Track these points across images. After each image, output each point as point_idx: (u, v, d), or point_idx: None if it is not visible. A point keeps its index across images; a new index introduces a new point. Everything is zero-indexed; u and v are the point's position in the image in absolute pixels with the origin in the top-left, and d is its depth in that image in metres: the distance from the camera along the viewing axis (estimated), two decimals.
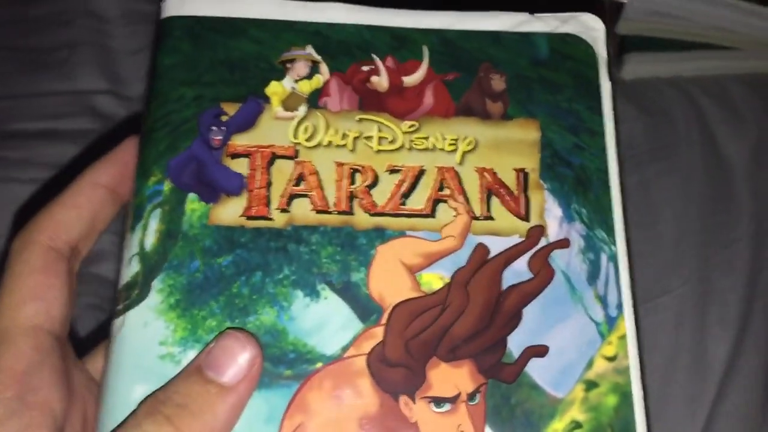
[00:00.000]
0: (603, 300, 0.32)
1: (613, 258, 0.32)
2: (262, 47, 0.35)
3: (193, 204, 0.33)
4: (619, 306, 0.32)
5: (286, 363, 0.30)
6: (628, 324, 0.32)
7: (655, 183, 0.60)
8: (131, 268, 0.32)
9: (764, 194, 0.61)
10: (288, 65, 0.35)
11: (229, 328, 0.30)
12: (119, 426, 0.28)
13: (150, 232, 0.32)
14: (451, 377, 0.30)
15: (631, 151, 0.60)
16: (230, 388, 0.28)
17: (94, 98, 0.52)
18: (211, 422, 0.28)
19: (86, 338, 0.46)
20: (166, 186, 0.33)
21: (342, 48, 0.36)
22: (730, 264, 0.57)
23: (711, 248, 0.58)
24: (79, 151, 0.50)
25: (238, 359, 0.29)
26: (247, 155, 0.33)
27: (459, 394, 0.30)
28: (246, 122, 0.34)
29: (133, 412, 0.28)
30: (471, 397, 0.30)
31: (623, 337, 0.31)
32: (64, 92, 0.51)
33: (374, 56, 0.35)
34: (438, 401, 0.30)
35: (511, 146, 0.34)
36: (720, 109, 0.65)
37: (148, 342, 0.30)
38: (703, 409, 0.52)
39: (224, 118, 0.34)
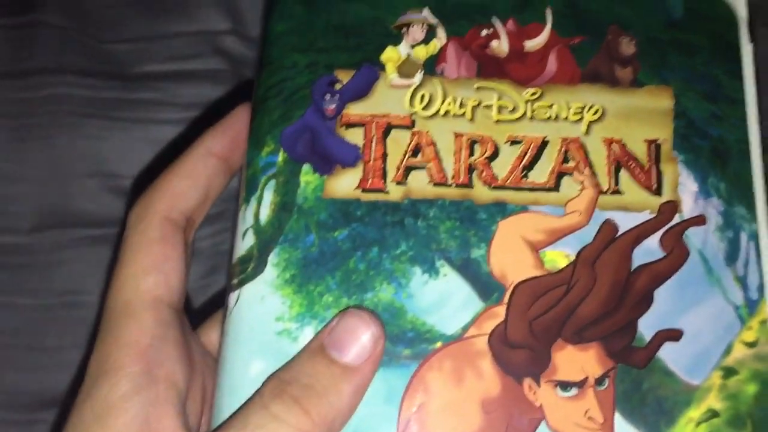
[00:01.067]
0: (743, 282, 0.30)
1: (754, 236, 0.30)
2: (377, 10, 0.34)
3: (307, 176, 0.32)
4: (761, 288, 0.30)
5: (404, 342, 0.30)
6: None
7: None
8: (246, 242, 0.31)
9: None
10: (404, 30, 0.34)
11: (349, 306, 0.30)
12: (244, 406, 0.27)
13: (265, 205, 0.32)
14: (578, 360, 0.29)
15: None
16: (354, 368, 0.28)
17: (220, 38, 0.51)
18: (337, 403, 0.27)
19: (199, 310, 0.46)
20: (281, 157, 0.32)
21: (460, 10, 0.34)
22: None
23: None
24: (212, 92, 0.49)
25: (362, 339, 0.28)
26: (362, 125, 0.32)
27: (586, 378, 0.29)
28: (361, 90, 0.33)
29: (258, 391, 0.28)
30: (599, 381, 0.29)
31: (765, 322, 0.29)
32: (189, 33, 0.51)
33: (494, 19, 0.34)
34: (564, 385, 0.29)
35: (641, 115, 0.32)
36: None
37: (264, 317, 0.30)
38: None
39: (338, 86, 0.33)
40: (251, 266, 0.31)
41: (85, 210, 0.47)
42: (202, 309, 0.46)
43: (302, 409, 0.26)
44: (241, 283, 0.31)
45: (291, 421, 0.26)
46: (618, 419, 0.28)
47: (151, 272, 0.31)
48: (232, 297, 0.31)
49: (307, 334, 0.30)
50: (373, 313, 0.29)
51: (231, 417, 0.27)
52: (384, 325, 0.29)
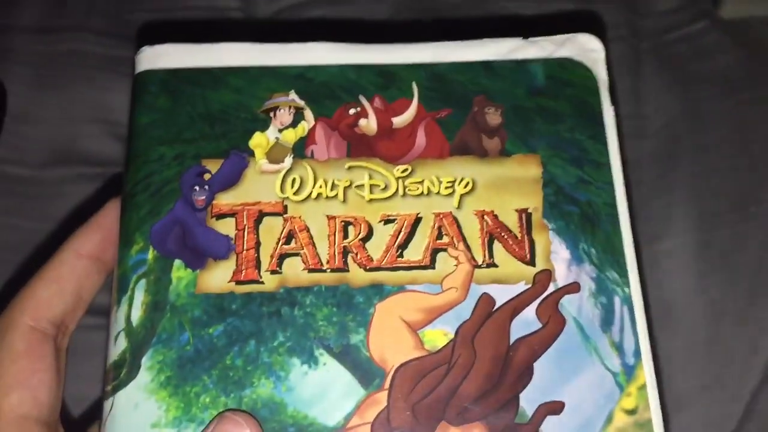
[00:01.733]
0: (619, 347, 0.30)
1: (627, 300, 0.30)
2: (242, 96, 0.34)
3: (179, 271, 0.31)
4: (637, 353, 0.30)
5: None
6: (647, 372, 0.29)
7: (749, 108, 0.55)
8: (118, 346, 0.30)
9: None
10: (271, 114, 0.33)
11: (226, 409, 0.29)
12: None
13: (136, 305, 0.31)
14: None
15: (724, 80, 0.55)
16: None
17: (227, 14, 0.58)
18: None
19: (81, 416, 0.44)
20: (151, 254, 0.31)
21: (326, 90, 0.34)
22: None
23: None
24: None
25: None
26: (233, 215, 0.32)
27: None
28: (230, 179, 0.32)
29: None
30: None
31: (643, 387, 0.29)
32: (200, 8, 0.58)
33: (361, 97, 0.34)
34: None
35: (511, 185, 0.32)
36: None
37: (139, 425, 0.29)
38: None
39: (207, 177, 0.32)
40: (124, 371, 0.30)
41: (90, 150, 0.53)
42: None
43: None
44: (115, 390, 0.29)
45: None
46: None
47: (15, 389, 0.29)
48: (107, 405, 0.29)
49: None
50: (248, 415, 0.28)
51: None
52: (260, 423, 0.28)
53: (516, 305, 0.30)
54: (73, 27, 0.57)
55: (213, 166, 0.32)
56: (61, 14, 0.57)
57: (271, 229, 0.32)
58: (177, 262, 0.31)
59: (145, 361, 0.30)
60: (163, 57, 0.34)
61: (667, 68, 0.56)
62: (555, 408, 0.29)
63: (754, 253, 0.50)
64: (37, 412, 0.29)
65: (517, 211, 0.32)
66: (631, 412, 0.29)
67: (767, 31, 0.58)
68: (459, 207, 0.32)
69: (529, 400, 0.29)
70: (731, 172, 0.53)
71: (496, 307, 0.30)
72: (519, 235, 0.31)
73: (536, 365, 0.30)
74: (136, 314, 0.30)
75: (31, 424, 0.29)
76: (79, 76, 0.55)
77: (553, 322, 0.30)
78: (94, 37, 0.56)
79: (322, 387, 0.29)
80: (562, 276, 0.31)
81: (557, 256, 0.31)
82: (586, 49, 0.34)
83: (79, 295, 0.32)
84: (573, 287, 0.31)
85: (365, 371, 0.30)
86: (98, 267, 0.33)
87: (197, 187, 0.32)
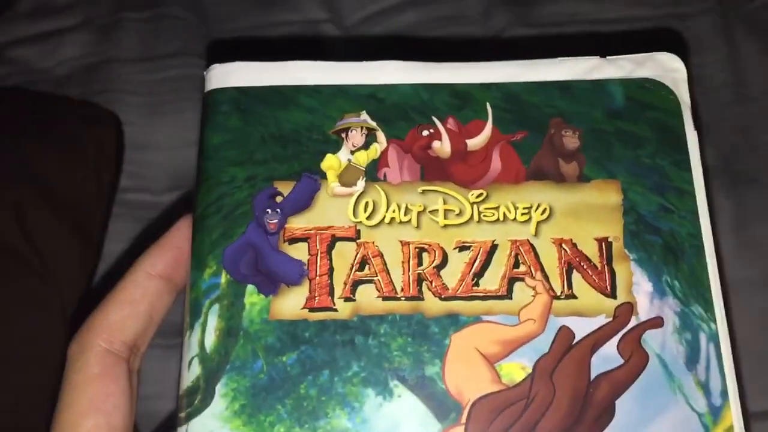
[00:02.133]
0: (705, 387, 0.29)
1: (713, 337, 0.29)
2: (314, 116, 0.33)
3: (252, 297, 0.31)
4: (724, 393, 0.29)
5: None
6: (734, 413, 0.29)
7: None
8: (192, 371, 0.30)
9: None
10: (343, 135, 0.33)
11: None
12: None
13: (209, 330, 0.30)
14: None
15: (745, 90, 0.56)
16: None
17: (318, 26, 0.60)
18: None
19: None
20: (224, 278, 0.31)
21: (399, 111, 0.33)
22: None
23: None
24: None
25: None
26: (305, 239, 0.31)
27: None
28: (303, 202, 0.32)
29: None
30: None
31: (730, 429, 0.28)
32: (292, 22, 0.61)
33: (434, 118, 0.33)
34: None
35: (590, 212, 0.31)
36: None
37: None
38: None
39: (279, 199, 0.32)
40: (198, 398, 0.30)
41: None
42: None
43: None
44: (189, 417, 0.29)
45: None
46: None
47: (90, 414, 0.29)
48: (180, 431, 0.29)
49: None
50: None
51: None
52: None
53: (596, 339, 0.30)
54: (174, 53, 0.59)
55: (285, 188, 0.32)
56: (159, 42, 0.60)
57: (344, 255, 0.31)
58: (250, 288, 0.31)
59: (219, 388, 0.30)
60: (233, 75, 0.34)
61: (757, 35, 0.57)
62: None
63: None
64: None
65: (596, 239, 0.31)
66: None
67: None
68: (536, 234, 0.31)
69: None
70: None
71: (575, 341, 0.29)
72: (599, 266, 0.30)
73: (618, 403, 0.29)
74: (210, 340, 0.30)
75: None
76: (186, 99, 0.57)
77: (635, 358, 0.29)
78: (196, 59, 0.59)
79: (396, 419, 0.29)
80: (644, 310, 0.30)
81: (639, 288, 0.30)
82: (668, 68, 0.33)
83: (150, 316, 0.32)
84: (656, 322, 0.30)
85: (441, 404, 0.29)
86: (169, 288, 0.33)
87: (269, 210, 0.32)
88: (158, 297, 0.32)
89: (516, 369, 0.29)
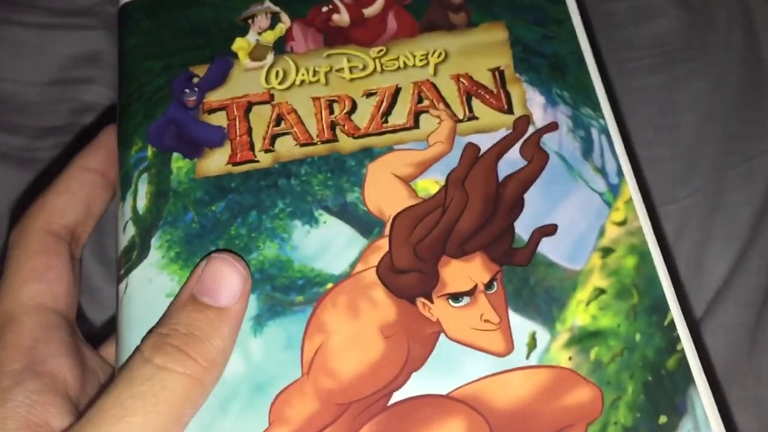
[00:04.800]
0: (602, 170, 0.31)
1: (604, 130, 0.32)
2: (220, 10, 0.36)
3: (178, 162, 0.32)
4: (619, 172, 0.31)
5: (296, 290, 0.30)
6: (631, 187, 0.31)
7: (682, 84, 0.54)
8: (127, 233, 0.31)
9: None
10: (249, 21, 0.35)
11: (213, 250, 0.30)
12: (126, 365, 0.27)
13: (141, 196, 0.32)
14: (465, 271, 0.30)
15: (661, 48, 0.55)
16: (229, 309, 0.28)
17: None
18: (221, 345, 0.27)
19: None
20: (150, 151, 0.33)
21: None
22: (750, 178, 0.52)
23: (731, 159, 0.52)
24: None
25: (232, 281, 0.28)
26: (223, 108, 0.33)
27: (475, 286, 0.29)
28: (217, 79, 0.34)
29: (137, 349, 0.27)
30: (488, 286, 0.29)
31: (629, 201, 0.31)
32: None
33: None
34: (455, 296, 0.29)
35: (481, 49, 0.34)
36: None
37: (155, 297, 0.30)
38: None
39: (196, 80, 0.34)
40: (135, 254, 0.31)
41: None
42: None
43: (188, 356, 0.26)
44: (128, 272, 0.31)
45: (179, 369, 0.26)
46: (513, 315, 0.29)
47: (32, 281, 0.30)
48: (121, 287, 0.31)
49: None
50: (235, 254, 0.29)
51: (116, 378, 0.27)
52: (272, 281, 0.29)
53: (500, 148, 0.32)
54: None
55: (200, 71, 0.34)
56: None
57: (261, 116, 0.33)
58: (175, 155, 0.33)
59: (154, 242, 0.31)
60: None
61: None
62: (549, 231, 0.30)
63: None
64: (53, 303, 0.30)
65: (489, 70, 0.34)
66: (621, 223, 0.30)
67: None
68: (435, 74, 0.34)
69: (524, 227, 0.30)
70: (648, 163, 0.53)
71: (481, 153, 0.32)
72: (495, 90, 0.33)
73: (526, 197, 0.31)
74: (141, 204, 0.32)
75: (48, 313, 0.30)
76: None
77: (536, 158, 0.32)
78: None
79: (325, 242, 0.31)
80: (539, 119, 0.33)
81: (533, 102, 0.33)
82: None
83: (88, 206, 0.34)
84: (551, 126, 0.32)
85: (364, 223, 0.31)
86: (104, 183, 0.34)
87: (187, 90, 0.34)
88: (94, 189, 0.34)
89: (430, 184, 0.32)
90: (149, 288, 0.30)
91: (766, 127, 0.53)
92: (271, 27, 0.35)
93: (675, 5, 0.56)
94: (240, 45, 0.35)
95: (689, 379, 0.28)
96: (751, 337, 0.47)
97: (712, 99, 0.54)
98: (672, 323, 0.29)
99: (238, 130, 0.33)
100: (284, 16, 0.36)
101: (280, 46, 0.35)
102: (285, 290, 0.30)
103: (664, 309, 0.29)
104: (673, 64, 0.55)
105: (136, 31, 0.35)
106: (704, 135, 0.52)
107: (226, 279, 0.28)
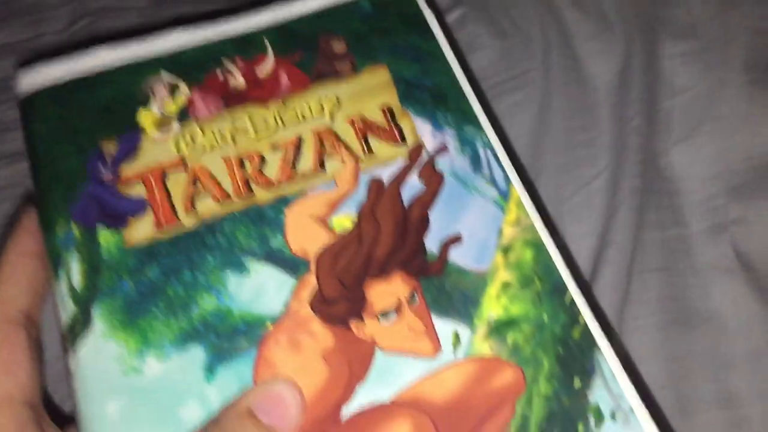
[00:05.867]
0: (492, 180, 0.35)
1: (487, 144, 0.36)
2: (122, 88, 0.38)
3: (105, 236, 0.34)
4: (506, 178, 0.35)
5: (240, 334, 0.32)
6: (518, 189, 0.35)
7: (509, 117, 0.51)
8: (68, 311, 0.33)
9: (626, 117, 0.52)
10: (150, 93, 0.38)
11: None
12: None
13: (74, 273, 0.34)
14: (388, 290, 0.33)
15: (485, 83, 0.53)
16: None
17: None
18: None
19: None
20: (76, 230, 0.35)
21: (194, 65, 0.39)
22: (588, 206, 0.49)
23: (568, 190, 0.50)
24: None
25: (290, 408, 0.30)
26: (140, 178, 0.36)
27: (399, 301, 0.33)
28: (129, 153, 0.37)
29: None
30: (410, 300, 0.33)
31: (519, 201, 0.35)
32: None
33: (225, 60, 0.39)
34: (384, 314, 0.33)
35: (369, 92, 0.38)
36: (587, 22, 0.55)
37: (106, 364, 0.32)
38: None
39: (108, 158, 0.36)
40: (79, 327, 0.33)
41: None
42: None
43: None
44: (75, 346, 0.32)
45: None
46: (436, 320, 0.33)
47: (1, 374, 0.32)
48: (72, 362, 0.32)
49: (150, 363, 0.32)
50: (293, 383, 0.31)
51: None
52: (215, 332, 0.32)
53: (400, 177, 0.36)
54: None
55: (111, 147, 0.37)
56: None
57: (178, 181, 0.36)
58: (101, 229, 0.35)
59: (95, 313, 0.33)
60: (41, 74, 0.38)
61: None
62: (455, 240, 0.34)
63: None
64: (20, 394, 0.32)
65: (379, 108, 0.37)
66: (516, 222, 0.34)
67: (528, 12, 0.57)
68: (332, 120, 0.37)
69: (433, 242, 0.34)
70: None
71: (385, 185, 0.35)
72: (387, 126, 0.37)
73: (430, 215, 0.35)
74: (76, 280, 0.34)
75: (16, 404, 0.31)
76: None
77: (433, 180, 0.35)
78: None
79: (258, 287, 0.33)
80: (430, 144, 0.36)
81: (422, 130, 0.37)
82: None
83: (35, 289, 0.35)
84: (442, 149, 0.36)
85: (292, 264, 0.34)
86: (43, 263, 0.36)
87: (102, 167, 0.36)
88: (36, 272, 0.35)
89: (345, 220, 0.35)
90: (99, 357, 0.32)
91: (597, 146, 0.51)
92: (172, 98, 0.38)
93: (490, 36, 0.55)
94: (145, 116, 0.37)
95: (593, 344, 0.32)
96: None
97: (538, 130, 0.52)
98: (572, 301, 0.33)
99: (158, 197, 0.35)
100: (182, 86, 0.38)
101: (184, 115, 0.37)
102: (229, 337, 0.32)
103: (563, 290, 0.33)
104: (499, 98, 0.53)
105: (45, 118, 0.37)
106: (537, 168, 0.51)
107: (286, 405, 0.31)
